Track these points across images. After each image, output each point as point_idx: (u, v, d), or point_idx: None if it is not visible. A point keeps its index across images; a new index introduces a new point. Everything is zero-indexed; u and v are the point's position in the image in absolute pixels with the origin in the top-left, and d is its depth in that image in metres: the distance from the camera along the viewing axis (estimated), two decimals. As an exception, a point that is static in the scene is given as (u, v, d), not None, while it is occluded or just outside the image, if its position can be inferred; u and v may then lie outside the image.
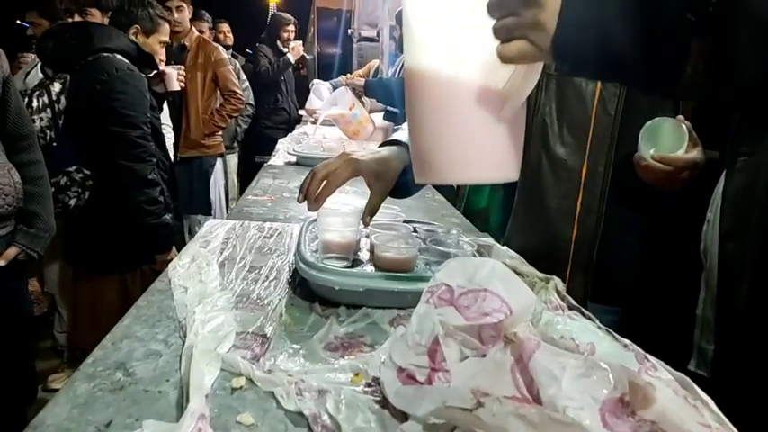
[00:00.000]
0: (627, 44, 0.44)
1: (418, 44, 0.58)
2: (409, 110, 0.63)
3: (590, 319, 0.79)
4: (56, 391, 0.57)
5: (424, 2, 0.57)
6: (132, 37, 1.92)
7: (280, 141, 2.67)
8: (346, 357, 0.66)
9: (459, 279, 0.55)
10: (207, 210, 3.21)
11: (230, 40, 4.17)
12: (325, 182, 0.85)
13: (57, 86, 1.68)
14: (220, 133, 3.27)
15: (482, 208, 1.81)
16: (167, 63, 2.98)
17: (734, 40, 0.41)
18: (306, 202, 0.85)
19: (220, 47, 3.24)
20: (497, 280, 0.55)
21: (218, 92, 3.18)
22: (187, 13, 3.10)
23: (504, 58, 0.50)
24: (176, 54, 3.09)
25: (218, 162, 3.35)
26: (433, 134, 0.59)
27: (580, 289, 1.03)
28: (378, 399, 0.56)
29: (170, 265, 0.90)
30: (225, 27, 4.17)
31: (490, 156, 0.58)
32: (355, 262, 0.88)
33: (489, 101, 0.55)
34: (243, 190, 2.51)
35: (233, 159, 3.83)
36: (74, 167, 1.70)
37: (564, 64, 0.49)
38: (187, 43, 3.09)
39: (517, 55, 0.49)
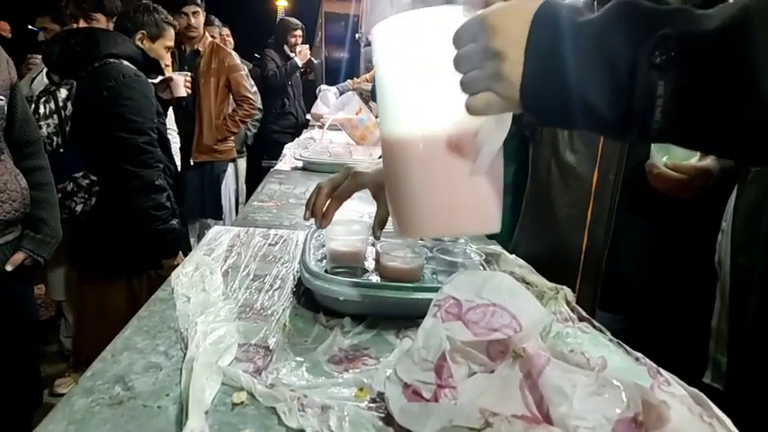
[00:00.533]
0: (591, 91, 0.44)
1: (393, 108, 0.60)
2: (387, 170, 0.63)
3: (601, 331, 0.77)
4: (62, 395, 0.56)
5: (398, 69, 0.58)
6: (138, 42, 1.92)
7: (287, 146, 2.67)
8: (350, 371, 0.64)
9: (467, 293, 0.54)
10: (218, 214, 3.22)
11: (231, 44, 4.16)
12: (331, 197, 0.84)
13: (63, 93, 1.68)
14: (232, 138, 3.28)
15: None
16: (181, 68, 2.99)
17: (728, 93, 0.40)
18: (313, 218, 0.84)
19: (234, 52, 3.24)
20: (507, 295, 0.53)
21: (231, 97, 3.18)
22: (202, 18, 3.11)
23: (472, 110, 0.51)
24: (190, 59, 3.10)
25: (230, 167, 3.36)
26: (411, 192, 0.60)
27: (589, 298, 1.01)
28: (382, 415, 0.55)
29: (173, 273, 0.89)
30: (225, 31, 4.16)
31: (469, 208, 0.59)
32: (360, 271, 0.87)
33: (464, 155, 0.56)
34: (249, 194, 2.50)
35: (242, 164, 3.84)
36: (80, 173, 1.69)
37: (533, 114, 0.49)
38: (201, 49, 3.10)
39: (483, 106, 0.50)
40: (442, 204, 0.58)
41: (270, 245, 1.10)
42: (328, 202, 0.83)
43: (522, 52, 0.46)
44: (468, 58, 0.49)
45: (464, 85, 0.50)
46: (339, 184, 0.83)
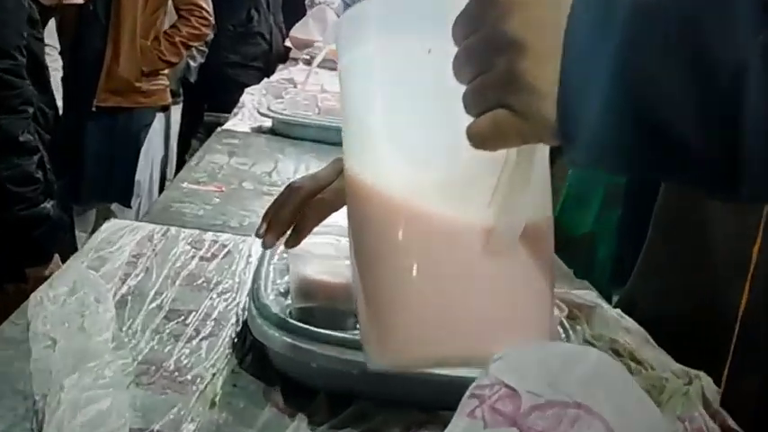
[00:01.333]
0: (669, 111, 0.42)
1: (359, 141, 0.61)
2: (352, 252, 0.64)
3: (761, 455, 0.76)
4: None
5: (369, 81, 0.59)
6: None
7: (248, 90, 2.69)
8: (319, 495, 0.65)
9: (531, 380, 0.52)
10: (129, 197, 3.24)
11: None
12: (310, 204, 0.83)
13: None
14: (166, 72, 3.31)
15: (584, 233, 1.79)
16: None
17: None
18: (267, 236, 0.83)
19: None
20: (602, 387, 0.52)
21: (170, 3, 3.21)
22: None
23: (475, 141, 0.50)
24: None
25: (158, 120, 3.40)
26: (383, 290, 0.60)
27: (747, 394, 0.99)
28: None
29: (32, 297, 0.90)
30: None
31: (481, 321, 0.58)
32: (351, 319, 0.86)
33: (470, 234, 0.56)
34: (182, 166, 2.53)
35: (177, 114, 3.86)
36: None
37: (573, 147, 0.46)
38: None
39: (490, 130, 0.49)
40: (434, 314, 0.57)
41: (202, 259, 1.12)
42: (304, 212, 0.83)
43: (556, 40, 0.45)
44: (472, 55, 0.49)
45: (466, 100, 0.50)
46: (325, 185, 0.83)
